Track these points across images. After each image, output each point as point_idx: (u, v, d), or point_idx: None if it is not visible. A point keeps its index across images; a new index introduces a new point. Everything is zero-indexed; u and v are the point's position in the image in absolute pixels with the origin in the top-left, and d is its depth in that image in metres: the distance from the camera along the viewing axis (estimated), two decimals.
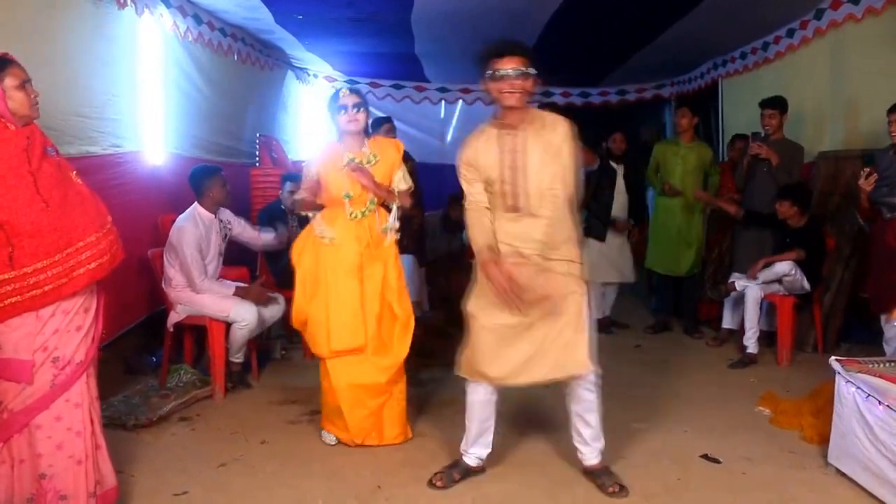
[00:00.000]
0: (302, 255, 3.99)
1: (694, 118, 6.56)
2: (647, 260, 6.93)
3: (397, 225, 3.98)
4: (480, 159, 3.27)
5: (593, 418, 3.42)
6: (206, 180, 4.89)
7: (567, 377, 3.32)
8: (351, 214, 3.88)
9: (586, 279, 3.32)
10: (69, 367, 2.86)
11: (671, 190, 6.45)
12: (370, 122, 4.19)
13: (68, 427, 2.87)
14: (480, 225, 3.33)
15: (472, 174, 3.32)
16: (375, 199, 3.91)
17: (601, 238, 6.38)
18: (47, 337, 2.80)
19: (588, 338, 3.27)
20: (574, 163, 3.20)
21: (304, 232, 4.07)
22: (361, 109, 3.87)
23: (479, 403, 3.44)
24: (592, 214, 6.33)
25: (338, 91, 3.94)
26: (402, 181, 4.00)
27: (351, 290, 3.85)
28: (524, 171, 3.19)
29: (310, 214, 4.05)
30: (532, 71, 3.14)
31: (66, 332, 2.85)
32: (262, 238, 5.34)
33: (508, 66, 3.13)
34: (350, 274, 3.86)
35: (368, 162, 3.88)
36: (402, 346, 3.92)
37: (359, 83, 9.61)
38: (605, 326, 6.71)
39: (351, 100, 3.85)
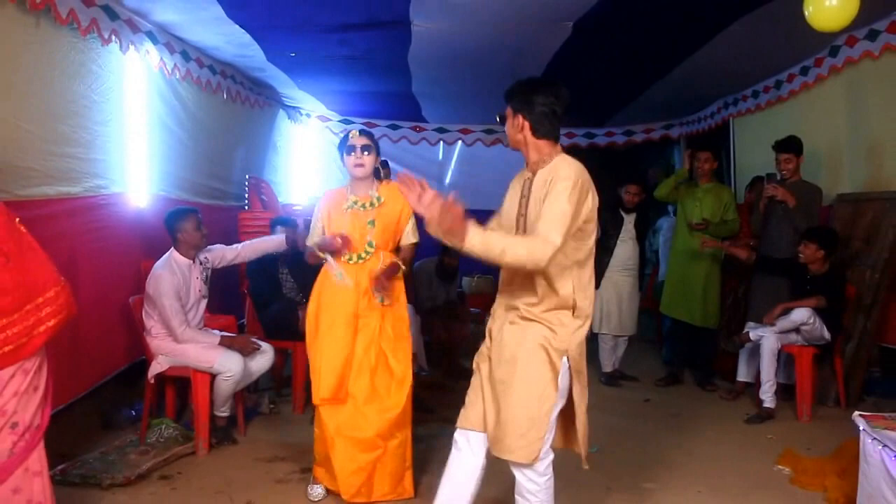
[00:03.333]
0: (313, 300, 4.04)
1: (715, 162, 6.61)
2: (662, 304, 6.92)
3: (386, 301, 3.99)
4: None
5: None
6: (178, 223, 4.88)
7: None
8: (347, 258, 3.93)
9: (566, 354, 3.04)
10: (28, 433, 2.80)
11: (697, 226, 6.43)
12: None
13: (28, 499, 2.80)
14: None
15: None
16: (374, 243, 3.92)
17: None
18: (7, 400, 2.73)
19: (539, 424, 2.99)
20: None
21: (321, 275, 4.09)
22: (370, 152, 3.94)
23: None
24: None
25: (348, 132, 4.01)
26: (411, 232, 4.07)
27: (341, 338, 3.89)
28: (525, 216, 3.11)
29: (325, 256, 4.02)
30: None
31: (25, 393, 2.78)
32: (264, 244, 5.32)
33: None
34: (345, 320, 3.89)
35: (372, 205, 3.95)
36: (396, 400, 3.90)
37: (353, 123, 9.68)
38: (613, 379, 6.69)
39: (359, 141, 3.93)
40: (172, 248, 4.89)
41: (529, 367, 2.99)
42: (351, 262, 3.93)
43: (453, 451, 3.18)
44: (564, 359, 3.00)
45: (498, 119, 3.26)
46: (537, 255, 2.77)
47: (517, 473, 3.05)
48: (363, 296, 3.91)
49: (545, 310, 3.03)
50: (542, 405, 2.97)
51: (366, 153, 3.92)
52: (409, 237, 4.08)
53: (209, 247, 5.09)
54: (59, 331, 2.85)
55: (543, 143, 3.10)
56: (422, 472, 4.28)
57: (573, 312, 3.04)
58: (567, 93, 3.15)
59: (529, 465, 2.99)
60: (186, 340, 4.73)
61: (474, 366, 3.24)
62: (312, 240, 4.08)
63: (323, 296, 3.98)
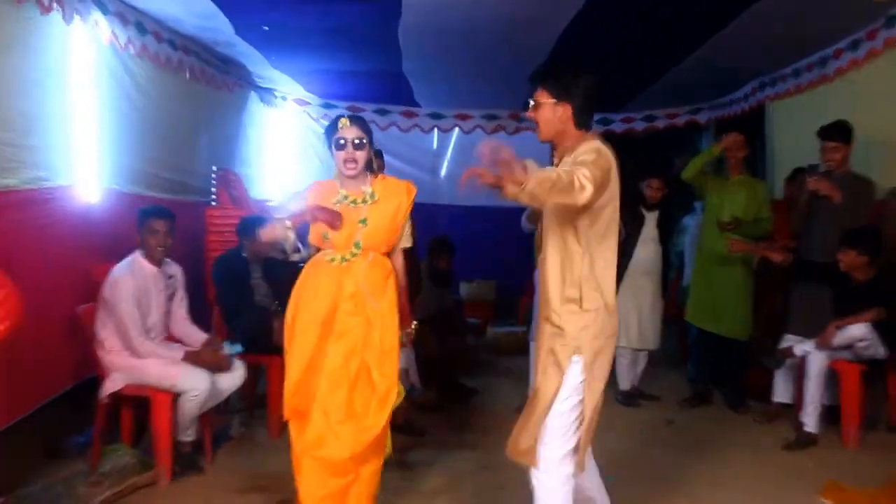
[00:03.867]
0: (291, 306, 3.99)
1: (747, 148, 6.58)
2: (687, 312, 6.90)
3: None
4: None
5: None
6: (148, 222, 4.88)
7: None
8: (330, 259, 3.87)
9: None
10: None
11: (726, 225, 6.41)
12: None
13: None
14: None
15: None
16: (362, 244, 3.87)
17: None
18: None
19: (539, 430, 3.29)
20: None
21: (300, 277, 4.03)
22: (363, 147, 3.84)
23: None
24: None
25: (337, 119, 3.90)
26: (406, 237, 4.05)
27: (308, 340, 3.83)
28: None
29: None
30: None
31: None
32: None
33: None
34: (319, 326, 3.83)
35: (364, 201, 3.88)
36: (375, 420, 3.83)
37: (336, 107, 9.68)
38: (632, 398, 6.67)
39: (351, 134, 3.81)
40: (137, 252, 4.88)
41: (545, 376, 3.28)
42: (334, 262, 3.87)
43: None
44: (575, 357, 3.21)
45: (530, 105, 3.28)
46: (577, 183, 2.93)
47: (532, 478, 3.30)
48: (348, 299, 3.86)
49: (553, 308, 3.28)
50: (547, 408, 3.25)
51: (358, 149, 3.82)
52: (403, 241, 4.04)
53: (176, 268, 5.13)
54: (8, 336, 2.86)
55: (579, 135, 3.28)
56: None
57: (581, 305, 3.22)
58: (600, 80, 3.32)
59: (540, 470, 3.26)
60: (145, 354, 4.71)
61: None
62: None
63: (301, 299, 3.92)
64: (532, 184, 2.83)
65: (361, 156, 3.83)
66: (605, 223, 3.25)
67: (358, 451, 3.80)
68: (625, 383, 6.74)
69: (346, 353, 3.83)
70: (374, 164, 5.38)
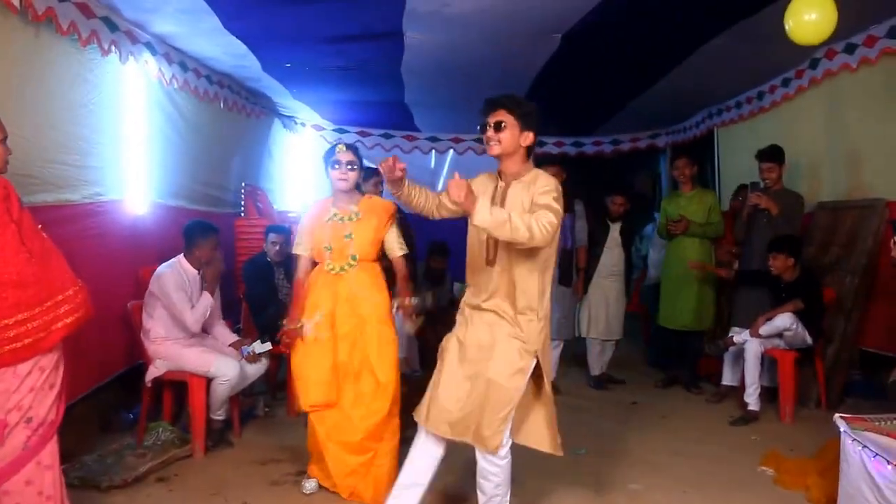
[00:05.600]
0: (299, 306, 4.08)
1: (693, 166, 6.61)
2: (660, 316, 6.86)
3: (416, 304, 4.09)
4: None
5: (489, 489, 3.37)
6: (199, 237, 4.91)
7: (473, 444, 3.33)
8: (329, 268, 3.98)
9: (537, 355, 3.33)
10: (42, 428, 2.83)
11: (675, 225, 6.45)
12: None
13: (39, 491, 2.82)
14: None
15: None
16: (357, 256, 3.94)
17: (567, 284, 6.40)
18: (23, 395, 2.77)
19: (506, 419, 3.26)
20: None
21: (308, 282, 4.13)
22: (354, 168, 4.00)
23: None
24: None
25: (334, 146, 4.05)
26: (395, 247, 4.12)
27: (326, 342, 3.94)
28: None
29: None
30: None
31: (41, 390, 2.82)
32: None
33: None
34: (326, 326, 3.94)
35: (350, 218, 4.00)
36: (380, 405, 3.93)
37: (347, 132, 9.68)
38: (601, 382, 6.69)
39: (345, 157, 3.98)
40: (181, 256, 4.90)
41: (506, 353, 3.26)
42: (333, 272, 3.98)
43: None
44: (533, 361, 3.28)
45: (491, 125, 3.29)
46: (536, 231, 3.00)
47: (480, 459, 3.31)
48: (344, 302, 3.97)
49: (515, 311, 3.29)
50: (512, 395, 3.23)
51: (350, 169, 3.98)
52: (395, 251, 4.13)
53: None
54: (76, 328, 2.90)
55: (526, 163, 3.36)
56: None
57: (537, 314, 3.29)
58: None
59: (494, 452, 3.24)
60: (199, 325, 4.82)
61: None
62: (295, 249, 4.13)
63: (307, 303, 4.02)
64: (487, 224, 2.95)
65: (353, 176, 4.01)
66: (553, 247, 3.32)
67: (370, 431, 3.88)
68: (595, 369, 6.76)
69: (349, 348, 3.95)
70: (372, 182, 5.56)
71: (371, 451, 3.91)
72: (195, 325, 4.78)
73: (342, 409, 3.91)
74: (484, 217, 2.95)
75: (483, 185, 3.41)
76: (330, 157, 4.00)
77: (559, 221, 3.14)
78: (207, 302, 4.85)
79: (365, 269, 4.04)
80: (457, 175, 2.98)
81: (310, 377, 3.92)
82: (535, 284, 3.29)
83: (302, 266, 4.10)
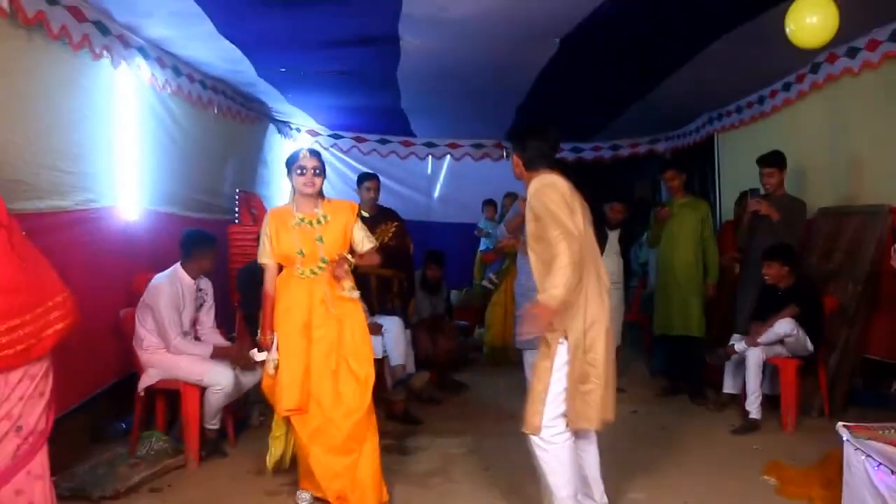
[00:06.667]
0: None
1: (682, 176, 6.61)
2: (655, 324, 6.87)
3: (355, 293, 4.04)
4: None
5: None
6: (197, 247, 4.92)
7: None
8: (300, 273, 3.96)
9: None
10: (32, 437, 2.82)
11: (663, 211, 6.51)
12: (357, 176, 4.30)
13: (29, 502, 2.82)
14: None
15: None
16: (327, 258, 3.94)
17: None
18: (13, 404, 2.75)
19: (536, 399, 3.52)
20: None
21: (277, 289, 4.10)
22: (319, 174, 4.01)
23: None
24: None
25: (298, 152, 4.07)
26: (364, 241, 4.14)
27: (295, 346, 3.92)
28: None
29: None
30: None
31: (31, 398, 2.81)
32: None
33: None
34: (299, 333, 3.93)
35: (318, 222, 4.00)
36: (360, 402, 3.92)
37: (343, 137, 9.69)
38: None
39: (311, 163, 3.99)
40: (178, 265, 4.90)
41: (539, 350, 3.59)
42: (304, 276, 3.97)
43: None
44: (562, 339, 3.49)
45: (504, 154, 3.63)
46: (563, 258, 3.35)
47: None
48: (319, 304, 3.96)
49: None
50: (538, 383, 3.52)
51: (317, 176, 3.99)
52: (364, 244, 4.14)
53: (207, 282, 5.12)
54: (67, 335, 2.90)
55: (530, 174, 3.72)
56: (406, 483, 4.33)
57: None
58: (558, 132, 3.95)
59: (536, 435, 3.50)
60: (180, 351, 4.72)
61: None
62: (261, 258, 4.07)
63: (279, 311, 4.01)
64: (562, 299, 3.35)
65: (319, 181, 4.02)
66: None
67: (352, 431, 3.88)
68: None
69: (326, 350, 3.95)
70: (364, 187, 5.63)
71: (355, 451, 3.89)
72: (175, 350, 4.75)
73: (323, 412, 3.89)
74: (555, 299, 3.34)
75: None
76: (294, 163, 4.01)
77: (563, 215, 3.44)
78: (202, 350, 4.84)
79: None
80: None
81: (282, 382, 3.90)
82: None
83: (270, 275, 4.05)
